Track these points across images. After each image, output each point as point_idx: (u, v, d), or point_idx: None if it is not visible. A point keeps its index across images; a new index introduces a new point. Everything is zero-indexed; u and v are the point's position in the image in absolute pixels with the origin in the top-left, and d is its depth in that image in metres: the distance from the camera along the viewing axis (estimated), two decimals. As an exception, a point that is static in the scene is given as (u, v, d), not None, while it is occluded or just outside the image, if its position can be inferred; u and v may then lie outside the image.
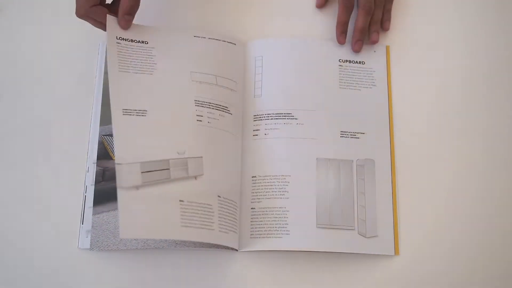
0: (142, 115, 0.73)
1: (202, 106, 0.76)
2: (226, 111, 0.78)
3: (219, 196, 0.73)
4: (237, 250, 0.74)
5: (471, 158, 0.78)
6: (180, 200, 0.70)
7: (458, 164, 0.78)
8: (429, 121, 0.80)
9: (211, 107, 0.77)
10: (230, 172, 0.76)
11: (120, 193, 0.67)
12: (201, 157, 0.73)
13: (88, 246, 0.74)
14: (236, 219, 0.74)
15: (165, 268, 0.74)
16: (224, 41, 0.82)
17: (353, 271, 0.74)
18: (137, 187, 0.68)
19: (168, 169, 0.71)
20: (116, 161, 0.69)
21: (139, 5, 0.77)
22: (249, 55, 0.83)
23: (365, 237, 0.74)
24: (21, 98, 0.83)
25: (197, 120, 0.75)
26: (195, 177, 0.72)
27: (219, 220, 0.72)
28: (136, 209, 0.67)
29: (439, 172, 0.78)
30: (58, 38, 0.85)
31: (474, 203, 0.76)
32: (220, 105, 0.78)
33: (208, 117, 0.76)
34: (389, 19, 0.85)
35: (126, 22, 0.77)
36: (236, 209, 0.75)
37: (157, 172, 0.70)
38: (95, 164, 0.77)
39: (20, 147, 0.80)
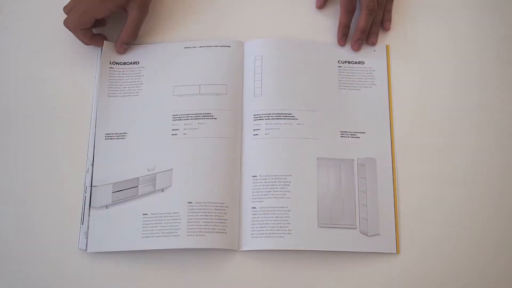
0: (122, 138, 0.79)
1: (179, 119, 0.79)
2: (208, 117, 0.78)
3: (189, 202, 0.74)
4: (226, 250, 0.75)
5: (471, 156, 0.78)
6: (143, 214, 0.75)
7: (459, 162, 0.78)
8: (429, 120, 0.80)
9: (189, 118, 0.79)
10: (213, 175, 0.76)
11: (92, 213, 0.75)
12: (171, 169, 0.76)
13: (89, 249, 0.74)
14: (224, 219, 0.74)
15: (165, 268, 0.74)
16: (216, 46, 0.83)
17: (355, 270, 0.74)
18: (107, 206, 0.76)
19: (137, 186, 0.76)
20: (93, 184, 0.76)
21: (136, 36, 0.83)
22: (249, 54, 0.83)
23: (367, 236, 0.74)
24: (20, 98, 0.82)
25: (172, 134, 0.78)
26: (162, 190, 0.76)
27: (188, 226, 0.73)
28: (104, 225, 0.75)
29: (440, 170, 0.78)
30: (58, 39, 0.85)
31: (475, 201, 0.76)
32: (200, 114, 0.79)
33: (184, 129, 0.78)
34: (389, 19, 0.85)
35: (124, 50, 0.83)
36: (222, 210, 0.75)
37: (126, 191, 0.76)
38: (92, 166, 0.78)
39: (20, 147, 0.80)
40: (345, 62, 0.83)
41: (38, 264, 0.75)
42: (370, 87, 0.81)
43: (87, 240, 0.74)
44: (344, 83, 0.81)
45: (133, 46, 0.84)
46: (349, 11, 0.82)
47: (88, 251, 0.74)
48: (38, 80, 0.83)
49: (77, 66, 0.84)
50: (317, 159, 0.77)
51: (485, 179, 0.77)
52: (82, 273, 0.74)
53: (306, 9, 0.86)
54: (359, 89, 0.81)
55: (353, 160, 0.77)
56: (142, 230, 0.74)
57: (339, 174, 0.77)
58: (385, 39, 0.85)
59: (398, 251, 0.74)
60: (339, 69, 0.82)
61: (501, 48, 0.84)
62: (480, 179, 0.77)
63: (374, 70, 0.82)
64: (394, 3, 0.85)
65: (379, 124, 0.79)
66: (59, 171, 0.78)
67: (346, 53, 0.83)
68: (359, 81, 0.82)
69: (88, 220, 0.75)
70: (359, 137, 0.79)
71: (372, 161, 0.77)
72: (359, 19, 0.82)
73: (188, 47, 0.83)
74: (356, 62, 0.83)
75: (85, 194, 0.76)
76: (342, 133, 0.79)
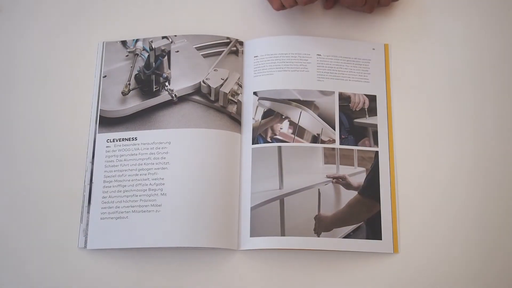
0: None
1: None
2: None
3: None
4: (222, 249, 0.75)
5: (471, 156, 0.78)
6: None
7: (458, 163, 0.78)
8: (429, 120, 0.80)
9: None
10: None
11: (91, 209, 0.76)
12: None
13: (88, 246, 0.75)
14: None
15: (164, 266, 0.75)
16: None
17: (353, 270, 0.74)
18: None
19: None
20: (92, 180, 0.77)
21: None
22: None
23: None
24: (21, 97, 0.83)
25: None
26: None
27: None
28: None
29: (438, 171, 0.78)
30: (58, 38, 0.85)
31: (474, 202, 0.76)
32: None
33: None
34: None
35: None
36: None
37: None
38: (92, 164, 0.78)
39: (19, 146, 0.80)
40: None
41: (38, 263, 0.75)
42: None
43: (86, 238, 0.75)
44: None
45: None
46: None
47: (87, 248, 0.74)
48: (37, 78, 0.84)
49: (76, 64, 0.84)
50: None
51: (485, 178, 0.77)
52: (82, 272, 0.75)
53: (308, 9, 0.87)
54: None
55: (352, 160, 0.78)
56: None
57: (337, 175, 0.77)
58: (384, 38, 0.84)
59: (395, 251, 0.74)
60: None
61: (502, 47, 0.83)
62: (479, 179, 0.77)
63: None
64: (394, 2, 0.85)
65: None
66: (59, 170, 0.79)
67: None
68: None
69: (88, 217, 0.76)
70: None
71: (371, 161, 0.78)
72: None
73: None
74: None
75: (84, 193, 0.77)
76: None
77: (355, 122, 0.79)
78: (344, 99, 0.80)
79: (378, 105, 0.80)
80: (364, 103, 0.80)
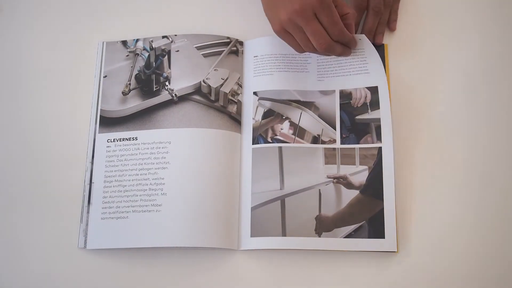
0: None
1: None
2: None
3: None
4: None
5: (471, 155, 0.78)
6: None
7: (459, 162, 0.77)
8: (428, 119, 0.80)
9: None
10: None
11: (91, 210, 0.76)
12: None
13: (88, 246, 0.75)
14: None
15: (166, 266, 0.75)
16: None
17: (354, 269, 0.73)
18: None
19: None
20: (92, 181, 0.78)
21: None
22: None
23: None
24: (21, 97, 0.83)
25: None
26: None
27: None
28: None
29: (439, 170, 0.77)
30: (58, 38, 0.85)
31: (477, 200, 0.76)
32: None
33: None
34: (395, 19, 0.84)
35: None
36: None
37: None
38: (92, 164, 0.78)
39: (19, 146, 0.80)
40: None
41: (38, 263, 0.75)
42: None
43: (86, 238, 0.75)
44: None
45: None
46: (360, 10, 0.81)
47: (87, 248, 0.74)
48: (37, 78, 0.84)
49: (76, 64, 0.84)
50: (317, 160, 0.77)
51: (485, 178, 0.77)
52: (82, 272, 0.75)
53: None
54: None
55: (354, 160, 0.78)
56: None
57: (338, 174, 0.77)
58: (383, 38, 0.84)
59: (398, 250, 0.73)
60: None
61: (501, 47, 0.83)
62: (480, 179, 0.77)
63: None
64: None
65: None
66: (59, 170, 0.79)
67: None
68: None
69: (87, 217, 0.76)
70: None
71: (371, 160, 0.78)
72: (366, 20, 0.81)
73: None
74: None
75: (84, 193, 0.77)
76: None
77: (357, 119, 0.79)
78: (345, 96, 0.80)
79: (380, 96, 0.79)
80: (366, 97, 0.79)
